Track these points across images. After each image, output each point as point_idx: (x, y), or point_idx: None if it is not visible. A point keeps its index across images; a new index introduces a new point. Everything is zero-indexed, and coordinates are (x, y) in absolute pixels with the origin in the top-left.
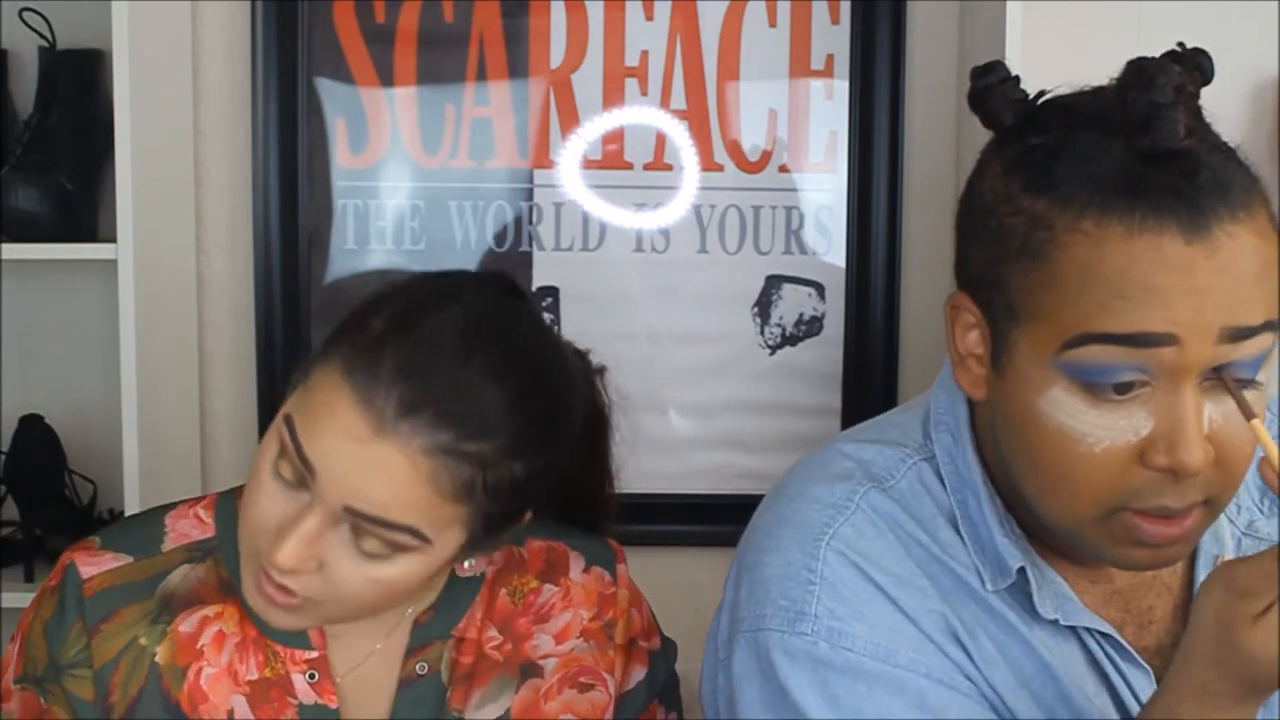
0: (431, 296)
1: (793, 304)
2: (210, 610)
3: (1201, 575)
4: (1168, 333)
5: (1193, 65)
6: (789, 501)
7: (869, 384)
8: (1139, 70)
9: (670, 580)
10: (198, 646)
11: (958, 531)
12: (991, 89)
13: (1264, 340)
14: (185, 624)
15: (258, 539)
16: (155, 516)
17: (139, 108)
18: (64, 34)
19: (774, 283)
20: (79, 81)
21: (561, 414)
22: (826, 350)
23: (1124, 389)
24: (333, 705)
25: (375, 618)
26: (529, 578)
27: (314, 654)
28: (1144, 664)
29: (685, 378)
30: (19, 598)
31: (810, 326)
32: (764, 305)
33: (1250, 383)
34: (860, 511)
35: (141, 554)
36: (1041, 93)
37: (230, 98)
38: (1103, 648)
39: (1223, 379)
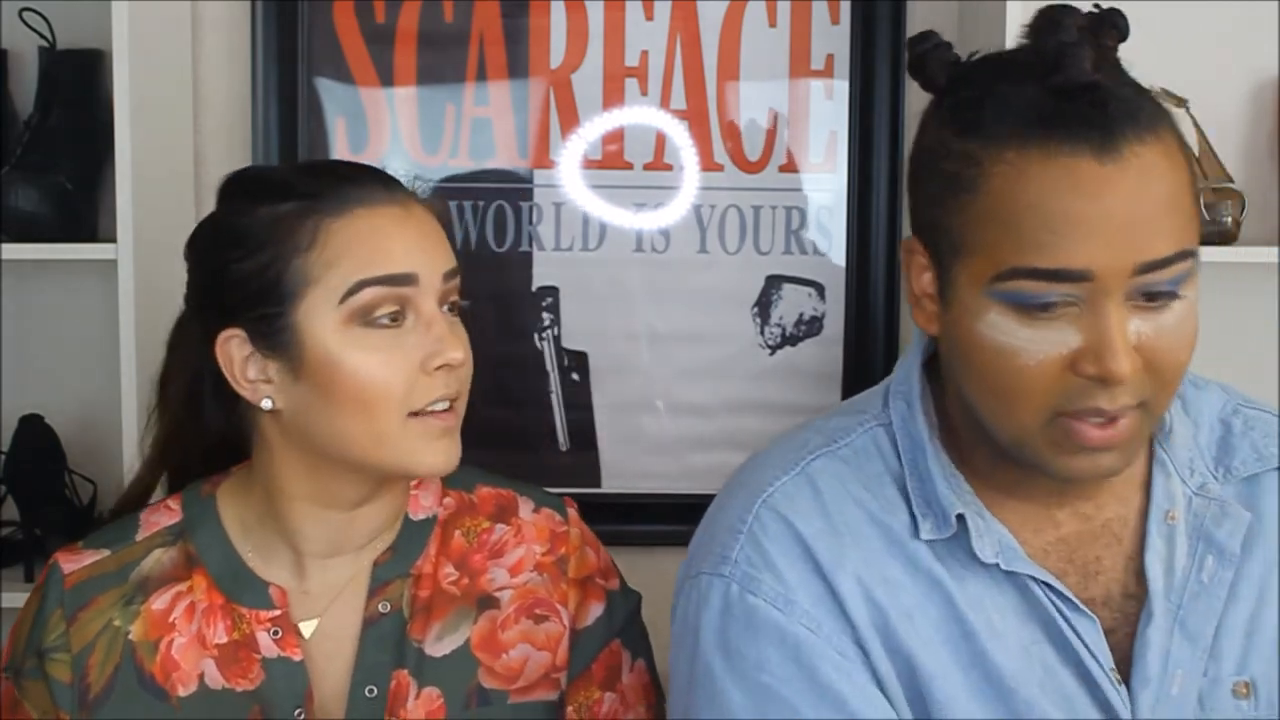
0: (300, 167)
1: (793, 304)
2: (182, 586)
3: (1153, 530)
4: (1084, 269)
5: (1109, 24)
6: (747, 468)
7: (869, 384)
8: (1046, 16)
9: (670, 580)
10: (169, 620)
11: (901, 492)
12: (927, 54)
13: (1181, 266)
14: (158, 601)
15: (412, 395)
16: (134, 514)
17: (139, 108)
18: (64, 34)
19: (774, 283)
20: (79, 81)
21: None
22: (826, 350)
23: (1049, 308)
24: (296, 657)
25: (329, 564)
26: (481, 519)
27: (276, 612)
28: (1090, 613)
29: (685, 378)
30: (19, 598)
31: (810, 326)
32: (764, 305)
33: (1172, 295)
34: (803, 474)
35: (118, 545)
36: (973, 54)
37: (230, 98)
38: (1049, 598)
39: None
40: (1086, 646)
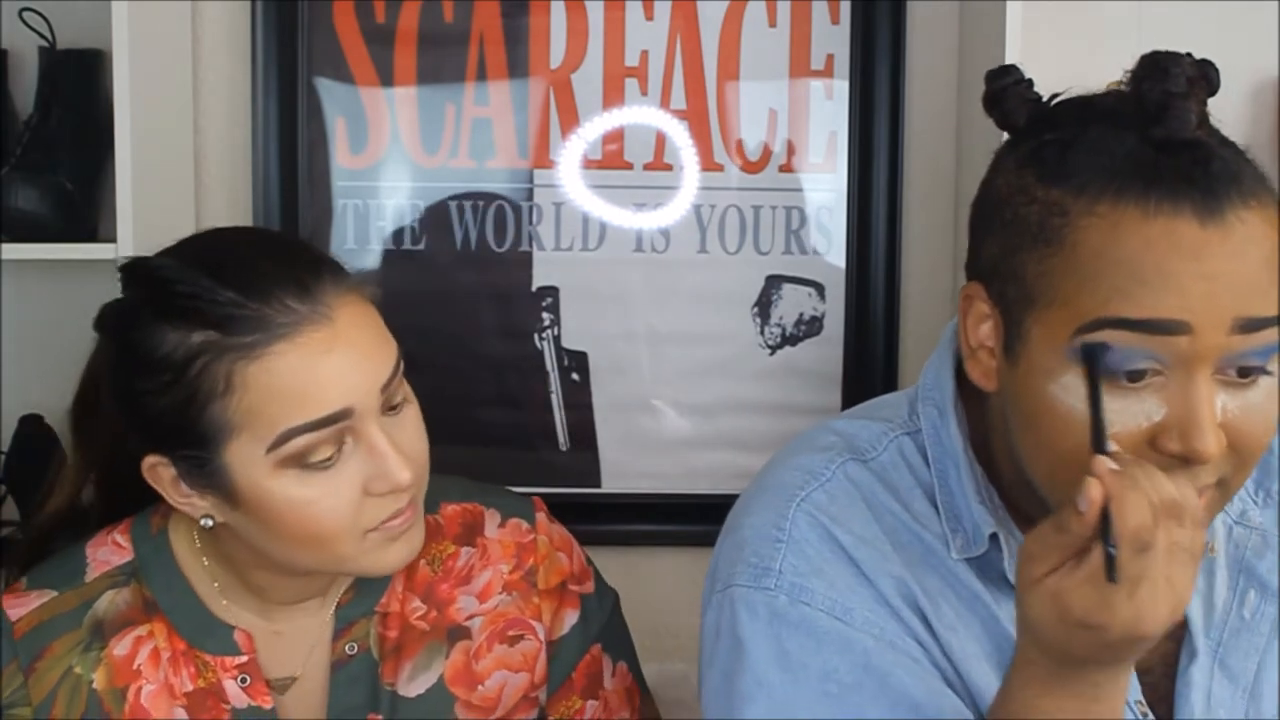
0: (188, 256)
1: (793, 304)
2: (141, 630)
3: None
4: (1182, 320)
5: (1200, 74)
6: (772, 471)
7: (869, 384)
8: (1153, 62)
9: (670, 580)
10: (134, 667)
11: (933, 504)
12: (1006, 90)
13: (1274, 333)
14: (119, 647)
15: (361, 519)
16: (77, 549)
17: (139, 108)
18: (64, 34)
19: (774, 283)
20: (79, 81)
21: None
22: (826, 350)
23: (1137, 376)
24: (267, 706)
25: (299, 608)
26: (446, 544)
27: (243, 658)
28: None
29: (685, 378)
30: None
31: (810, 326)
32: (764, 305)
33: (1262, 370)
34: (835, 480)
35: (66, 586)
36: (1054, 95)
37: (230, 98)
38: None
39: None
40: None
